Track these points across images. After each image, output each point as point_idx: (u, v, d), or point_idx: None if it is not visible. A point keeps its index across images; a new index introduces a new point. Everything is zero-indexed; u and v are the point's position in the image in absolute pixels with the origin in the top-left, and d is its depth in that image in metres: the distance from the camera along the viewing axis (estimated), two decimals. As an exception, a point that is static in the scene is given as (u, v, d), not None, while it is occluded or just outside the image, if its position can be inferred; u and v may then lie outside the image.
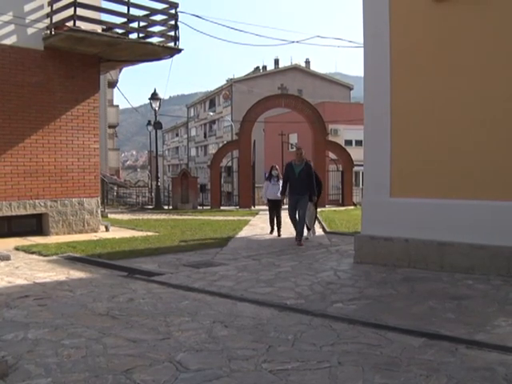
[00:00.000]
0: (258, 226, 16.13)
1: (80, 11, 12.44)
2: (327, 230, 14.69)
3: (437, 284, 7.09)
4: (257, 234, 13.82)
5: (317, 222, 14.05)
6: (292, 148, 39.26)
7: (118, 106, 45.02)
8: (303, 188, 11.82)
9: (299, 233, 11.80)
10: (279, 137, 39.77)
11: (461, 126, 7.88)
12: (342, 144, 32.98)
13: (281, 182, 13.05)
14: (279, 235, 13.41)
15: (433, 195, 8.09)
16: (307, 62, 67.17)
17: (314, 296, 6.75)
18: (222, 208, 26.63)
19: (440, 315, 5.56)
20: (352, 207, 25.51)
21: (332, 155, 28.70)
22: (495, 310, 5.78)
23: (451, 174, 7.97)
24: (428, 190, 8.17)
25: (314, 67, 68.72)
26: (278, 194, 13.14)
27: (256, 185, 28.32)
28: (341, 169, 28.37)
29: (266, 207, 14.73)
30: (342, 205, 26.98)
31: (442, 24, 8.10)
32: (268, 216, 14.28)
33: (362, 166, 9.45)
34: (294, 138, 44.71)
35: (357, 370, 4.09)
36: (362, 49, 9.08)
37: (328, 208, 24.77)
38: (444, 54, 8.06)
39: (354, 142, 41.23)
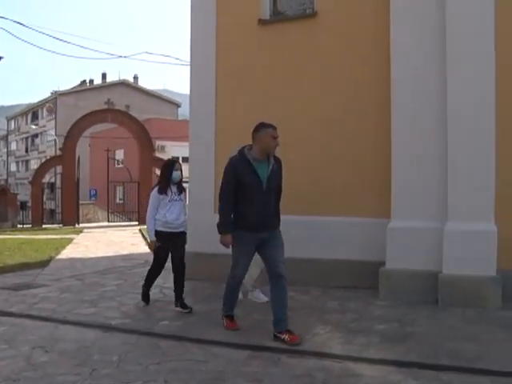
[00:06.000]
0: (82, 244, 15.54)
1: None
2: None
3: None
4: (81, 253, 13.27)
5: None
6: (119, 164, 38.33)
7: None
8: (274, 211, 5.81)
9: (283, 320, 5.43)
10: (105, 153, 38.81)
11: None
12: (170, 161, 32.96)
13: (184, 197, 7.11)
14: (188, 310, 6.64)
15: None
16: (135, 78, 66.53)
17: (140, 315, 6.64)
18: (44, 226, 25.39)
19: (265, 327, 5.69)
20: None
21: (159, 172, 28.64)
22: (315, 320, 6.10)
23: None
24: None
25: (142, 83, 68.33)
26: (183, 219, 6.86)
27: (80, 202, 27.37)
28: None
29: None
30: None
31: (266, 46, 8.53)
32: (149, 269, 7.31)
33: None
34: (120, 154, 43.84)
35: (183, 387, 4.07)
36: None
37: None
38: (269, 74, 8.47)
39: (181, 159, 41.41)
